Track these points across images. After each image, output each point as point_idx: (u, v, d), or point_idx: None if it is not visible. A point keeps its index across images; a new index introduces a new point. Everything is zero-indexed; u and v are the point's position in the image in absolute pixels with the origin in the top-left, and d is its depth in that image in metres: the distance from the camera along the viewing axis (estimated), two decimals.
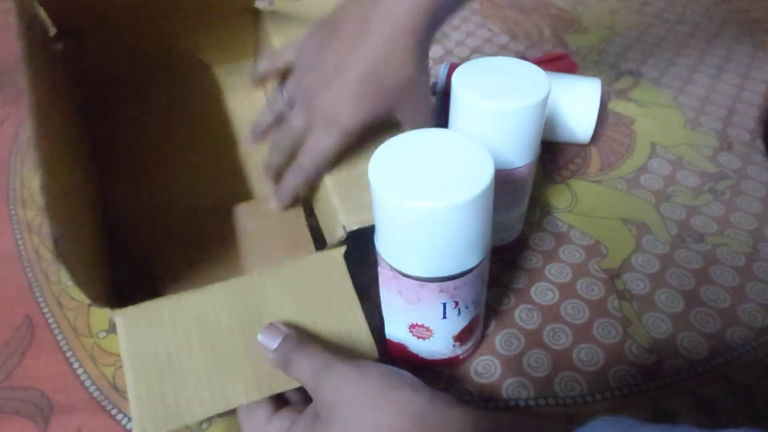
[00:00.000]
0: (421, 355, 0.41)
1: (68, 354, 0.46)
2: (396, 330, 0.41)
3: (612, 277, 0.49)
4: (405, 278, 0.35)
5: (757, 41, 0.78)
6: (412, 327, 0.39)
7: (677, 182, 0.58)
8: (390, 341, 0.42)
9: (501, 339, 0.45)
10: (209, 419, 0.41)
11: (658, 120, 0.65)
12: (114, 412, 0.42)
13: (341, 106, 0.40)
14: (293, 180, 0.44)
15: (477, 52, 0.76)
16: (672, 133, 0.63)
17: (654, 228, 0.53)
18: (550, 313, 0.47)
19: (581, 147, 0.62)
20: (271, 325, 0.36)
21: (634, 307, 0.47)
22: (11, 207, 0.58)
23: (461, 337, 0.40)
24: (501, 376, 0.43)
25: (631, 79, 0.71)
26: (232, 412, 0.41)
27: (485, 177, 0.31)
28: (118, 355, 0.45)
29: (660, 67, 0.73)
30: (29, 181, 0.61)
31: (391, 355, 0.43)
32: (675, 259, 0.50)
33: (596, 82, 0.59)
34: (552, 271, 0.50)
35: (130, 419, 0.41)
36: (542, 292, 0.48)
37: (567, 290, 0.48)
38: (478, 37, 0.79)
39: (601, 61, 0.74)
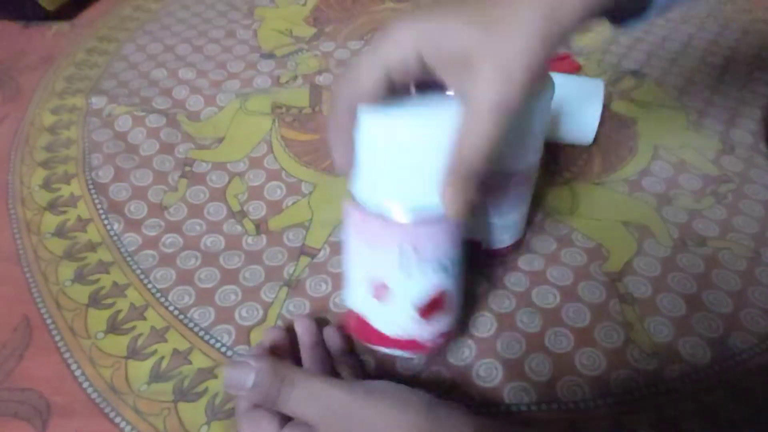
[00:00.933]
0: (382, 330, 0.38)
1: (66, 355, 0.45)
2: (356, 293, 0.38)
3: (613, 280, 0.49)
4: (372, 217, 0.34)
5: (761, 42, 0.77)
6: (373, 285, 0.36)
7: (679, 185, 0.57)
8: (351, 318, 0.40)
9: (502, 343, 0.45)
10: (208, 422, 0.41)
11: (661, 121, 0.65)
12: (112, 415, 0.42)
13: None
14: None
15: None
16: (675, 134, 0.63)
17: (656, 231, 0.53)
18: (552, 317, 0.46)
19: (583, 148, 0.61)
20: (239, 363, 0.34)
21: (636, 310, 0.46)
22: (10, 205, 0.58)
23: (425, 312, 0.37)
24: (502, 381, 0.43)
25: (633, 80, 0.70)
26: (232, 415, 0.41)
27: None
28: (117, 356, 0.45)
29: (663, 68, 0.72)
30: (28, 179, 0.60)
31: (354, 335, 0.41)
32: (677, 263, 0.50)
33: (599, 82, 0.59)
34: (553, 273, 0.50)
35: (128, 422, 0.41)
36: (543, 295, 0.48)
37: (568, 293, 0.48)
38: None
39: (603, 61, 0.73)
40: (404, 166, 0.32)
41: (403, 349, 0.39)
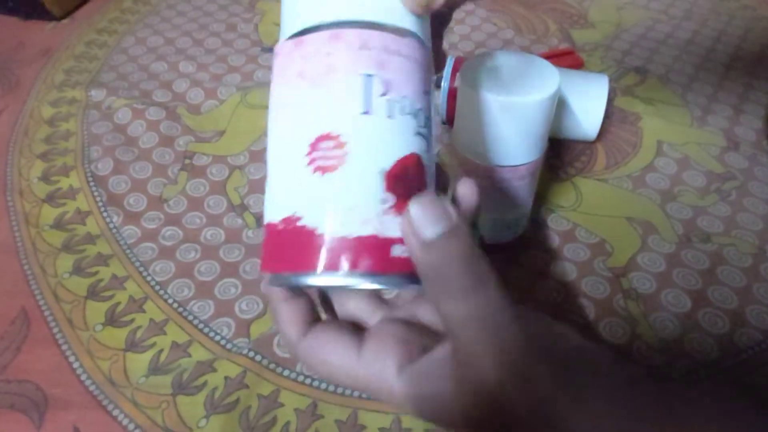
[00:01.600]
0: (322, 229, 0.23)
1: (64, 347, 0.45)
2: (283, 182, 0.25)
3: (618, 275, 0.48)
4: (320, 36, 0.24)
5: (765, 39, 0.77)
6: (315, 148, 0.24)
7: (683, 182, 0.57)
8: (268, 238, 0.25)
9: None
10: (207, 416, 0.40)
11: (665, 118, 0.64)
12: (110, 407, 0.41)
13: None
14: None
15: (482, 46, 0.75)
16: (679, 131, 0.63)
17: (660, 227, 0.52)
18: (556, 312, 0.46)
19: (587, 144, 0.61)
20: (435, 202, 0.23)
21: (640, 306, 0.46)
22: (8, 197, 0.57)
23: (396, 186, 0.24)
24: None
25: (637, 76, 0.70)
26: (231, 409, 0.40)
27: None
28: (115, 349, 0.45)
29: (667, 64, 0.72)
30: (27, 171, 0.60)
31: (271, 266, 0.25)
32: (681, 259, 0.49)
33: (604, 78, 0.58)
34: (557, 269, 0.49)
35: (126, 415, 0.41)
36: (548, 291, 0.47)
37: (572, 289, 0.47)
38: (483, 31, 0.78)
39: (607, 57, 0.73)
40: None
41: (359, 267, 0.23)
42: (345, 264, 0.23)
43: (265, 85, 0.69)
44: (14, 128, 0.65)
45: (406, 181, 0.23)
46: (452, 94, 0.58)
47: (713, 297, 0.46)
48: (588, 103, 0.57)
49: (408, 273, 0.24)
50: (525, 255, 0.50)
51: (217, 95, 0.68)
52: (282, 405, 0.41)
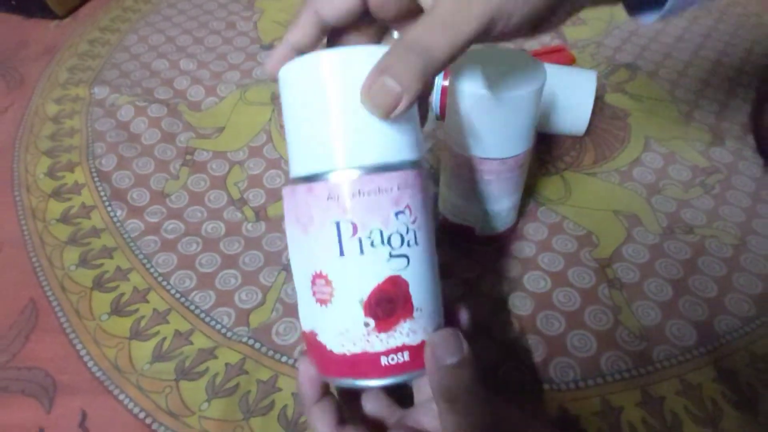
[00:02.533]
0: (330, 347, 0.29)
1: (71, 336, 0.47)
2: (302, 302, 0.31)
3: (603, 266, 0.50)
4: (297, 188, 0.29)
5: (753, 36, 0.78)
6: (314, 283, 0.29)
7: (669, 176, 0.59)
8: (306, 343, 0.32)
9: (497, 324, 0.46)
10: (208, 400, 0.42)
11: (653, 113, 0.66)
12: (116, 392, 0.43)
13: None
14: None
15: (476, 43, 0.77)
16: (666, 127, 0.64)
17: (645, 220, 0.54)
18: (543, 301, 0.48)
19: (576, 139, 0.62)
20: (453, 336, 0.29)
21: (623, 295, 0.48)
22: (16, 192, 0.59)
23: (375, 310, 0.28)
24: (498, 360, 0.44)
25: (627, 73, 0.72)
26: (231, 393, 0.42)
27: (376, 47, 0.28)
28: (120, 337, 0.47)
29: (656, 61, 0.74)
30: (33, 167, 0.62)
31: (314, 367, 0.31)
32: (664, 250, 0.51)
33: (592, 74, 0.60)
34: (545, 260, 0.51)
35: (131, 399, 0.43)
36: (535, 281, 0.49)
37: (559, 278, 0.49)
38: None
39: (598, 54, 0.75)
40: (329, 117, 0.27)
41: (354, 375, 0.29)
42: (348, 372, 0.29)
43: (264, 82, 0.71)
44: (20, 125, 0.67)
45: (383, 304, 0.28)
46: (445, 91, 0.60)
47: (694, 286, 0.48)
48: (577, 99, 0.59)
49: (396, 375, 0.29)
50: (514, 246, 0.52)
51: (216, 92, 0.70)
52: (280, 389, 0.43)
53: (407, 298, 0.28)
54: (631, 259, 0.51)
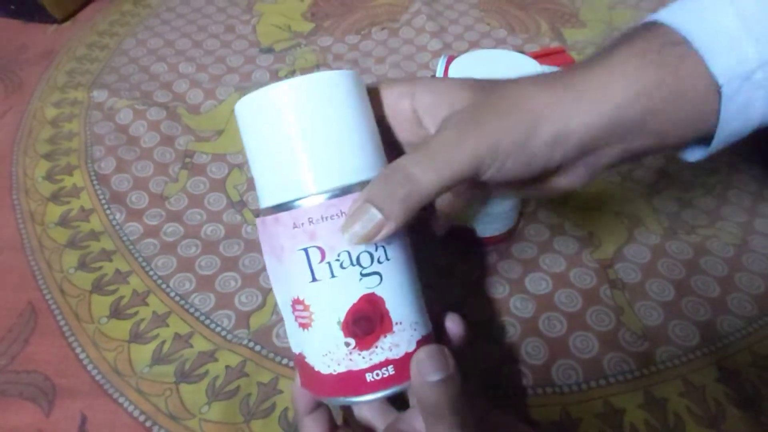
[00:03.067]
0: (318, 368, 0.30)
1: (71, 339, 0.47)
2: (288, 328, 0.31)
3: (605, 267, 0.50)
4: (269, 220, 0.29)
5: None
6: (294, 309, 0.30)
7: (670, 176, 0.58)
8: (295, 357, 0.32)
9: (498, 327, 0.46)
10: (208, 403, 0.42)
11: None
12: (116, 395, 0.43)
13: None
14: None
15: (475, 46, 0.77)
16: None
17: (646, 220, 0.54)
18: (545, 302, 0.47)
19: None
20: (439, 353, 0.29)
21: (626, 295, 0.48)
22: (14, 196, 0.59)
23: (353, 330, 0.28)
24: (499, 363, 0.44)
25: None
26: (232, 396, 0.42)
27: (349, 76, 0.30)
28: (119, 340, 0.46)
29: None
30: (32, 171, 0.61)
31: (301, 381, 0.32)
32: (666, 250, 0.51)
33: None
34: (546, 261, 0.51)
35: (131, 402, 0.42)
36: (536, 282, 0.49)
37: (561, 279, 0.49)
38: (477, 31, 0.79)
39: None
40: (286, 147, 0.28)
41: (343, 393, 0.30)
42: (336, 391, 0.29)
43: (263, 85, 0.71)
44: (18, 129, 0.67)
45: (361, 323, 0.29)
46: None
47: (696, 286, 0.48)
48: None
49: (383, 389, 0.29)
50: (516, 247, 0.52)
51: (215, 95, 0.70)
52: (281, 392, 0.43)
53: (384, 314, 0.29)
54: (633, 260, 0.50)
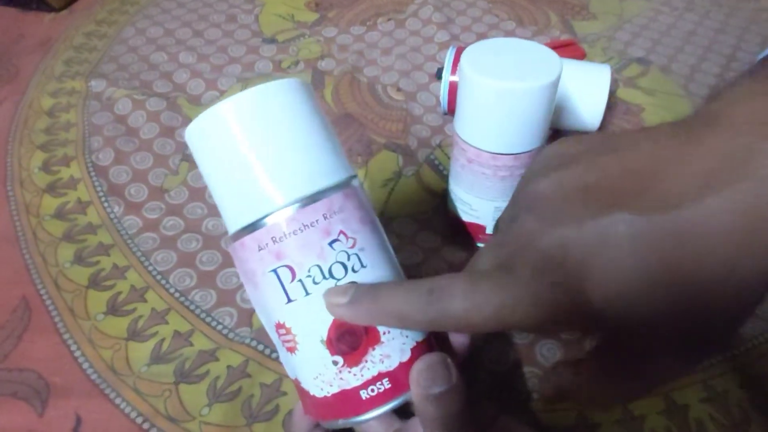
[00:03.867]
0: (312, 392, 0.28)
1: (65, 336, 0.45)
2: (281, 354, 0.30)
3: None
4: (236, 246, 0.28)
5: (766, 31, 0.77)
6: (278, 333, 0.29)
7: None
8: (295, 386, 0.31)
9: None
10: (209, 405, 0.40)
11: (668, 109, 0.64)
12: (112, 395, 0.41)
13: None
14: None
15: (483, 38, 0.75)
16: None
17: None
18: None
19: None
20: (440, 364, 0.27)
21: None
22: (9, 187, 0.57)
23: (338, 347, 0.27)
24: (514, 365, 0.42)
25: (639, 67, 0.70)
26: (234, 398, 0.40)
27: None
28: (117, 338, 0.44)
29: (669, 55, 0.72)
30: (27, 161, 0.60)
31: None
32: None
33: (606, 68, 0.58)
34: None
35: (128, 403, 0.41)
36: None
37: None
38: (485, 23, 0.77)
39: (609, 48, 0.73)
40: (234, 171, 0.27)
41: (341, 415, 0.28)
42: (334, 414, 0.28)
43: (266, 75, 0.69)
44: (14, 119, 0.65)
45: (345, 338, 0.27)
46: (453, 87, 0.58)
47: None
48: (590, 94, 0.57)
49: (382, 405, 0.27)
50: None
51: (217, 86, 0.68)
52: (285, 393, 0.41)
53: (365, 334, 0.27)
54: None
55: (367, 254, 0.28)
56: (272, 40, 0.75)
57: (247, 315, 0.46)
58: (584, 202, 0.22)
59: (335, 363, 0.27)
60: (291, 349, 0.28)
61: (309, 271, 0.27)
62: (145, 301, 0.47)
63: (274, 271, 0.27)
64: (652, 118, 0.63)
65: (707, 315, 0.20)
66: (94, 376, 0.42)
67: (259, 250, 0.27)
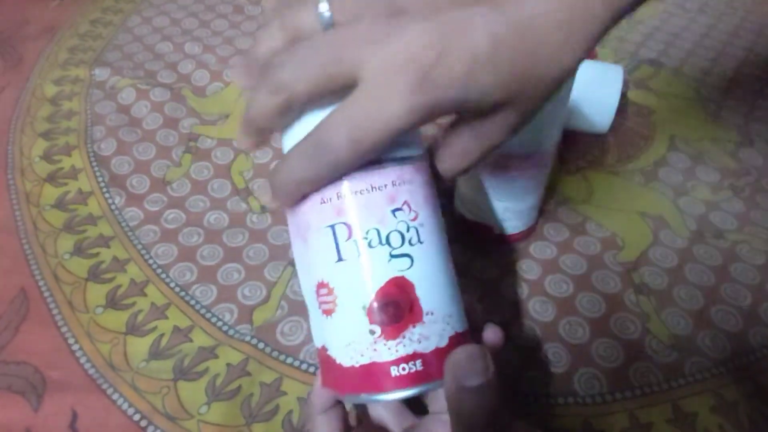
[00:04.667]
0: (340, 360, 0.27)
1: (63, 329, 0.44)
2: (313, 319, 0.29)
3: (629, 270, 0.47)
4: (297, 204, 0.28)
5: None
6: (318, 294, 0.28)
7: (696, 177, 0.56)
8: (318, 352, 0.29)
9: (516, 331, 0.43)
10: (208, 403, 0.40)
11: (679, 112, 0.63)
12: (110, 391, 0.40)
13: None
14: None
15: None
16: (693, 126, 0.61)
17: (672, 222, 0.51)
18: (566, 306, 0.45)
19: (598, 137, 0.60)
20: (479, 356, 0.26)
21: (652, 302, 0.45)
22: (9, 176, 0.56)
23: (380, 316, 0.26)
24: (518, 370, 0.41)
25: (651, 69, 0.69)
26: (233, 396, 0.39)
27: None
28: (115, 332, 0.44)
29: (681, 57, 0.71)
30: (29, 150, 0.59)
31: (322, 379, 0.30)
32: (694, 255, 0.48)
33: (618, 69, 0.57)
34: (567, 262, 0.48)
35: (126, 399, 0.40)
36: (557, 284, 0.46)
37: (583, 282, 0.46)
38: None
39: (620, 49, 0.72)
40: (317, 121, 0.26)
41: (366, 389, 0.27)
42: (358, 387, 0.27)
43: None
44: (16, 106, 0.64)
45: (388, 309, 0.26)
46: None
47: (726, 294, 0.46)
48: (601, 95, 0.56)
49: (410, 386, 0.26)
50: (534, 246, 0.49)
51: (222, 78, 0.67)
52: (284, 393, 0.40)
53: (414, 301, 0.26)
54: (659, 264, 0.48)
55: (426, 231, 0.27)
56: None
57: (248, 312, 0.45)
58: (452, 2, 0.25)
59: (372, 332, 0.26)
60: (328, 312, 0.27)
61: (367, 233, 0.26)
62: (145, 295, 0.46)
63: (332, 226, 0.26)
64: (662, 121, 0.62)
65: (534, 92, 0.26)
66: (91, 371, 0.41)
67: (321, 203, 0.26)
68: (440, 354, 0.26)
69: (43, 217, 0.52)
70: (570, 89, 0.39)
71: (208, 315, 0.45)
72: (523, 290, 0.46)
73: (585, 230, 0.51)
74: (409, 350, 0.26)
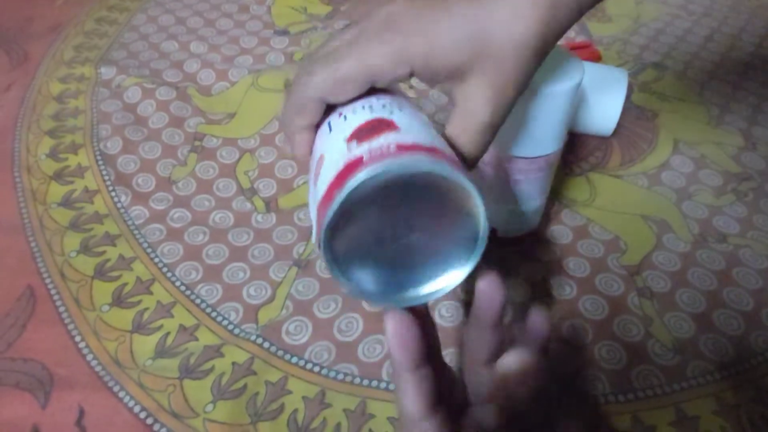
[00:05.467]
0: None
1: (70, 327, 0.44)
2: (311, 204, 0.27)
3: (632, 273, 0.48)
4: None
5: None
6: (317, 165, 0.28)
7: (699, 181, 0.56)
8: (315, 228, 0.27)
9: (519, 331, 0.44)
10: (213, 401, 0.40)
11: (682, 115, 0.63)
12: (116, 389, 0.41)
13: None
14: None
15: None
16: (696, 129, 0.62)
17: (675, 226, 0.52)
18: (569, 308, 0.45)
19: (602, 140, 0.60)
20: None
21: (654, 305, 0.45)
22: (16, 174, 0.56)
23: (357, 135, 0.26)
24: None
25: (655, 72, 0.69)
26: (238, 395, 0.40)
27: None
28: (122, 330, 0.44)
29: (685, 61, 0.71)
30: (35, 148, 0.59)
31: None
32: (696, 259, 0.49)
33: (623, 72, 0.57)
34: (570, 264, 0.48)
35: (132, 397, 0.40)
36: (560, 286, 0.47)
37: (586, 285, 0.47)
38: None
39: (624, 52, 0.72)
40: None
41: (342, 184, 0.23)
42: (337, 185, 0.23)
43: (277, 68, 0.68)
44: (22, 104, 0.65)
45: (364, 131, 0.26)
46: None
47: (728, 298, 0.46)
48: (606, 98, 0.56)
49: (381, 160, 0.23)
50: (538, 249, 0.49)
51: (228, 77, 0.67)
52: (290, 392, 0.41)
53: (391, 124, 0.26)
54: (662, 267, 0.48)
55: (405, 111, 0.28)
56: (284, 32, 0.75)
57: (253, 311, 0.45)
58: None
59: (348, 143, 0.25)
60: (318, 175, 0.26)
61: (354, 109, 0.28)
62: (151, 293, 0.47)
63: (328, 122, 0.29)
64: (666, 125, 0.62)
65: (495, 62, 0.28)
66: (98, 369, 0.42)
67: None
68: (418, 146, 0.24)
69: (49, 215, 0.52)
70: (575, 93, 0.39)
71: (214, 314, 0.45)
72: (527, 292, 0.46)
73: (588, 233, 0.51)
74: (384, 143, 0.24)
